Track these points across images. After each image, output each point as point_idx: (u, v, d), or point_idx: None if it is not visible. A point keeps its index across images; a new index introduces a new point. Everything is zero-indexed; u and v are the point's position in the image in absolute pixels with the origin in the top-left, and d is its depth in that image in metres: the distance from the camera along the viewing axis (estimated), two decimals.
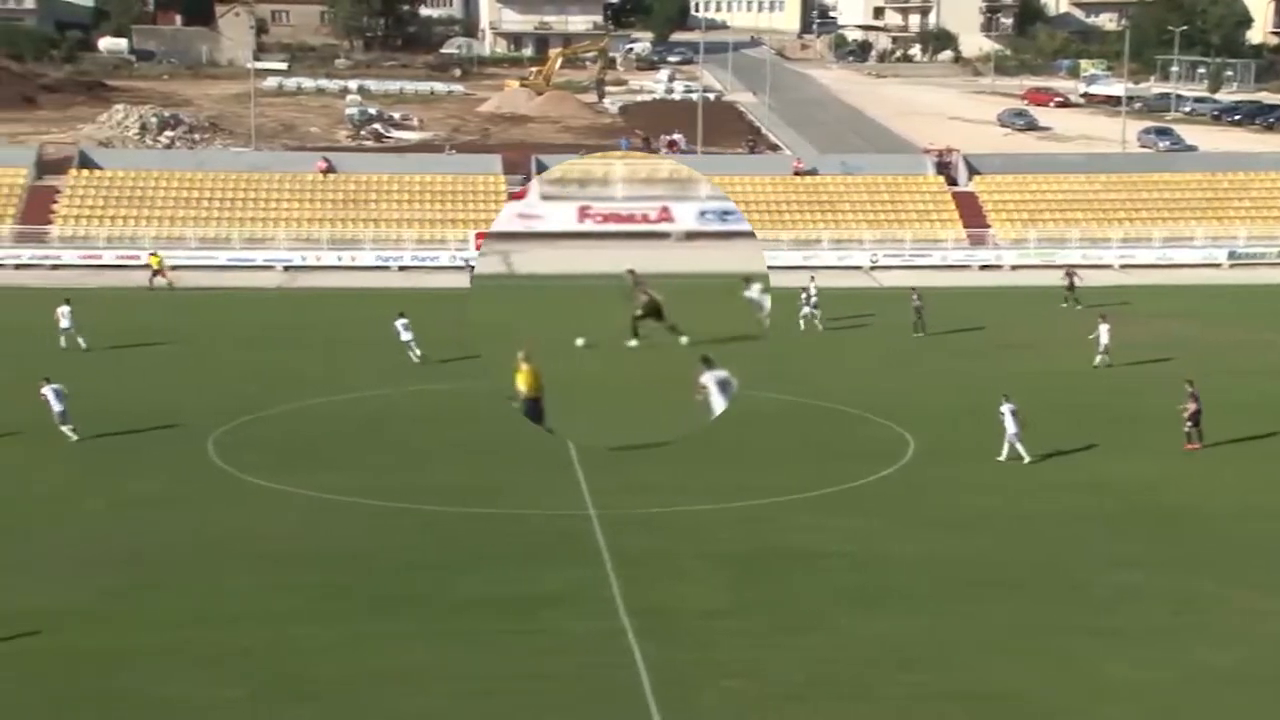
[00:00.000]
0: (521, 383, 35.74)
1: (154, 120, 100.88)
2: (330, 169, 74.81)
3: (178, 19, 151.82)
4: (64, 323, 47.95)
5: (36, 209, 70.28)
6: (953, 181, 75.81)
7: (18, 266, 66.02)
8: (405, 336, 46.31)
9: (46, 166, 74.95)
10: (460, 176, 75.32)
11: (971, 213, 73.09)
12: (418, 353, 46.12)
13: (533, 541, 30.22)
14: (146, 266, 62.51)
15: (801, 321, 52.14)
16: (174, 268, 62.86)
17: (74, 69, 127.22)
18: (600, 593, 27.24)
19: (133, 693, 22.96)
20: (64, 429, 36.86)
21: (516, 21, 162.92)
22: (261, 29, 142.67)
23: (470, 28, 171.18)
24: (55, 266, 66.11)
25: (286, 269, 67.00)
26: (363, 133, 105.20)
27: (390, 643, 24.97)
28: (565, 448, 36.47)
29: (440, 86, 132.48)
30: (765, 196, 74.38)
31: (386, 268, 66.99)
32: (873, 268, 68.19)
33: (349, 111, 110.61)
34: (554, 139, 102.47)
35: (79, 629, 25.29)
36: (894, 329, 52.30)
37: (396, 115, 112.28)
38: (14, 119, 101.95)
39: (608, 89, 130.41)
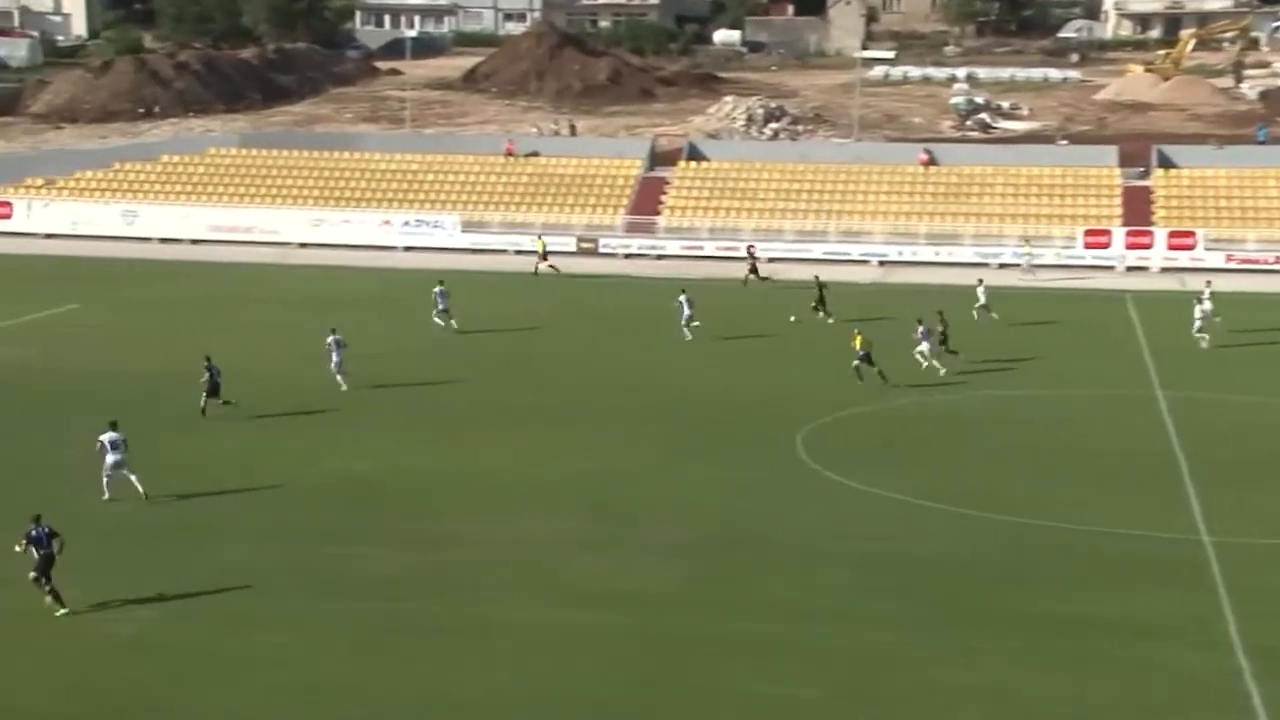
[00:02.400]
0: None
1: (760, 112, 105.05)
2: (931, 161, 75.02)
3: (790, 9, 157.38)
4: (440, 304, 51.80)
5: (646, 200, 75.15)
6: None
7: (627, 256, 70.89)
8: (923, 347, 45.14)
9: (658, 158, 79.90)
10: (1071, 169, 73.38)
11: None
12: (939, 363, 44.88)
13: (1130, 563, 29.07)
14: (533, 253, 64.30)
15: None
16: (769, 259, 65.20)
17: (689, 62, 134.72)
18: (1212, 626, 25.80)
19: (724, 686, 24.08)
20: (338, 377, 42.34)
21: (1145, 1, 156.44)
22: (872, 17, 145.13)
23: (1092, 9, 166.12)
24: (660, 256, 70.48)
25: (881, 263, 67.93)
26: (968, 123, 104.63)
27: (966, 657, 24.84)
28: (1174, 464, 34.72)
29: (1054, 73, 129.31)
30: None
31: (985, 264, 66.42)
32: None
33: (954, 101, 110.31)
34: (1180, 128, 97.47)
35: (668, 613, 26.86)
36: None
37: (1005, 104, 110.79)
38: (632, 112, 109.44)
39: (1246, 72, 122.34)
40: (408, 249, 72.15)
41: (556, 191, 76.23)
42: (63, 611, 25.88)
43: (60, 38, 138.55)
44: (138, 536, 30.30)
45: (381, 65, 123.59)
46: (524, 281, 63.69)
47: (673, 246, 71.31)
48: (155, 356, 47.31)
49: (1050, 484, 34.45)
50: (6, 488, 33.03)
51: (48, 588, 26.01)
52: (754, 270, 62.78)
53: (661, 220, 73.61)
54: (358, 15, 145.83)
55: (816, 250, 69.29)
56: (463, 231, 73.48)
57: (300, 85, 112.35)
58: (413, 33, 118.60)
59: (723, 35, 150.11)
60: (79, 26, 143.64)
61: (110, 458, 32.14)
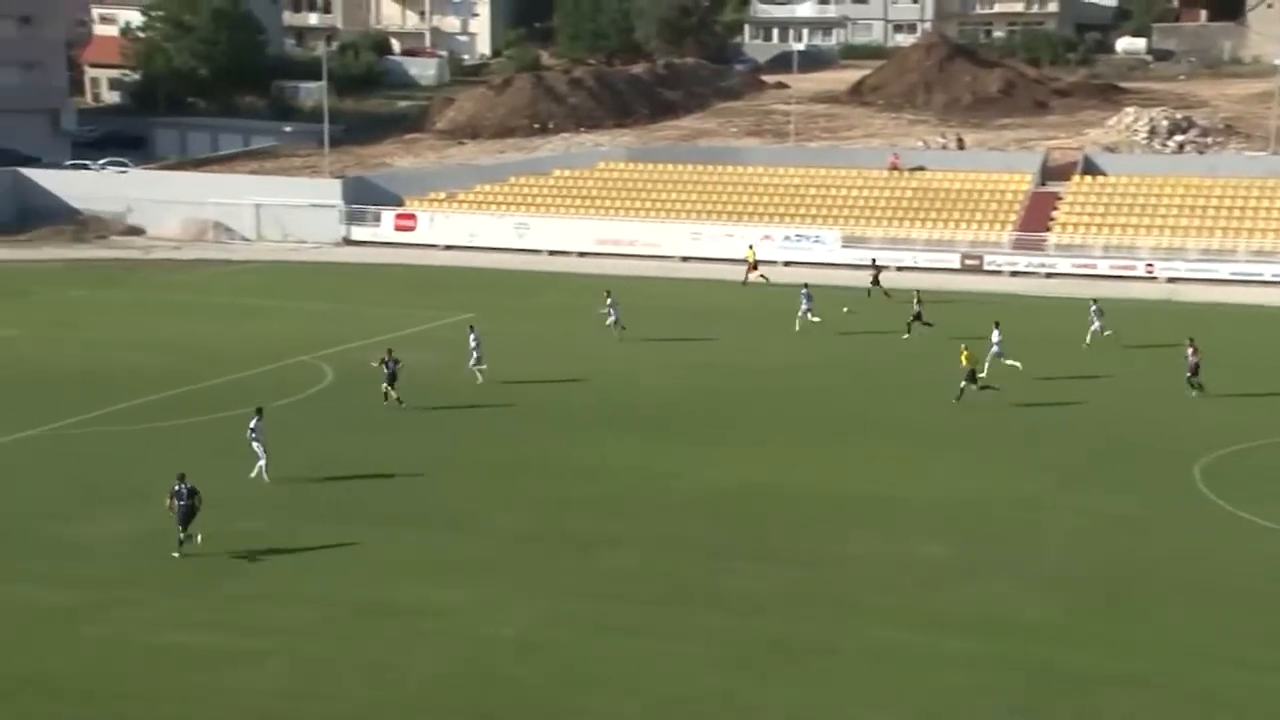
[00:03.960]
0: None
1: (1164, 123, 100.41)
2: None
3: (1202, 15, 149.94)
4: (609, 314, 52.75)
5: (1036, 216, 73.06)
6: None
7: (1013, 273, 69.03)
8: None
9: (1050, 173, 77.59)
10: None
11: None
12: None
13: None
14: (872, 270, 63.47)
15: None
16: (1170, 280, 62.23)
17: (1088, 72, 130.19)
18: None
19: None
20: (476, 369, 44.83)
21: None
22: None
23: None
24: (1050, 274, 68.31)
25: None
26: None
27: None
28: None
29: None
30: None
31: None
32: None
33: None
34: None
35: (1043, 644, 25.90)
36: None
37: None
38: (1023, 124, 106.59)
39: None
40: (787, 263, 72.49)
41: (941, 207, 75.08)
42: (175, 555, 29.65)
43: (466, 57, 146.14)
44: (522, 542, 31.44)
45: (768, 79, 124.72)
46: (901, 297, 62.94)
47: (1063, 264, 69.06)
48: (545, 362, 49.13)
49: None
50: (446, 482, 34.99)
51: (183, 534, 29.79)
52: (876, 281, 62.00)
53: (1052, 237, 71.41)
54: (746, 29, 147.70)
55: (1223, 270, 65.82)
56: (843, 246, 73.28)
57: (687, 100, 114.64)
58: (800, 46, 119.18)
59: (1126, 43, 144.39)
60: (483, 46, 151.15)
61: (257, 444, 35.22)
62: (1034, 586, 28.63)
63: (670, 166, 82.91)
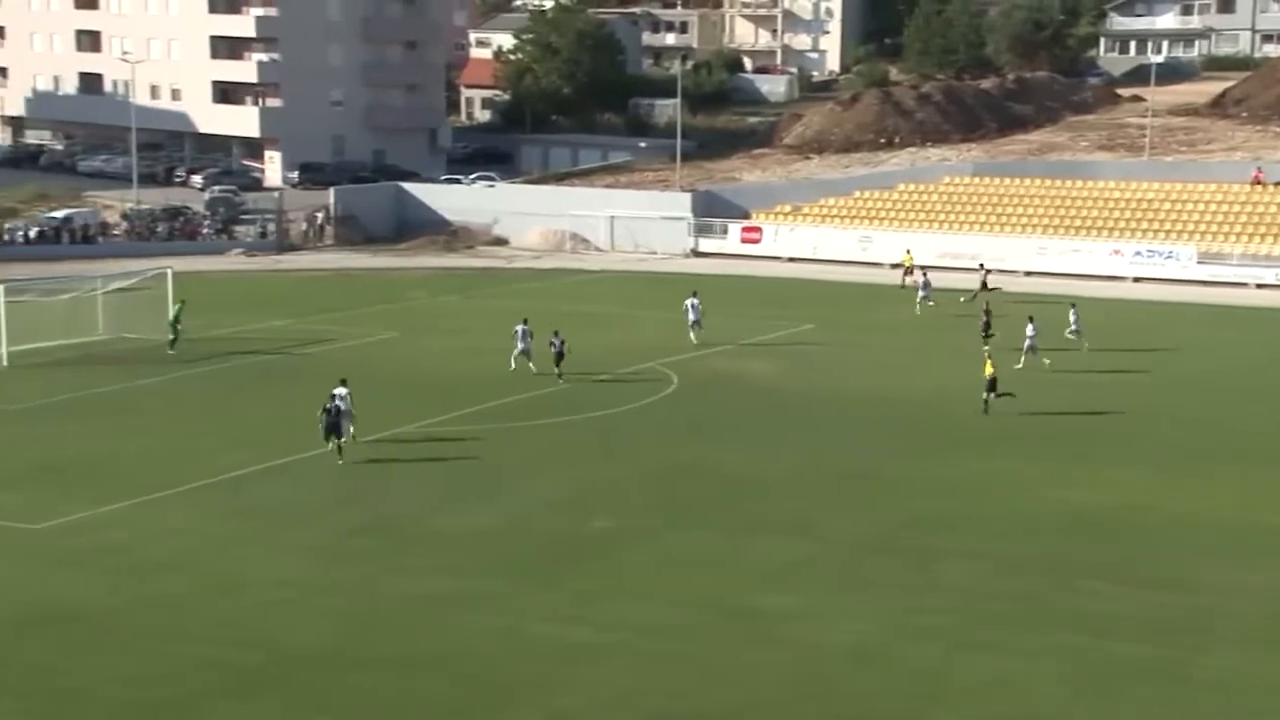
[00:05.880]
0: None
1: None
2: None
3: None
4: (689, 313, 53.95)
5: None
6: None
7: None
8: None
9: None
10: None
11: None
12: None
13: None
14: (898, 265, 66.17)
15: None
16: None
17: None
18: None
19: None
20: (515, 360, 47.54)
21: None
22: None
23: None
24: None
25: None
26: None
27: None
28: None
29: None
30: None
31: None
32: None
33: None
34: None
35: None
36: None
37: None
38: None
39: None
40: (1137, 279, 69.88)
41: None
42: (341, 461, 36.79)
43: (815, 73, 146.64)
44: (868, 551, 31.35)
45: (1123, 92, 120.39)
46: (1266, 314, 59.92)
47: None
48: (891, 375, 48.93)
49: None
50: (794, 489, 35.48)
51: (332, 443, 37.16)
52: (984, 286, 61.94)
53: None
54: (1101, 42, 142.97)
55: None
56: (1198, 263, 70.14)
57: (1037, 114, 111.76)
58: (1159, 58, 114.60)
59: None
60: (833, 62, 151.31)
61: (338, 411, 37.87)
62: None
63: (1017, 181, 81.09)
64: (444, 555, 30.81)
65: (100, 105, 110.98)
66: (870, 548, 31.38)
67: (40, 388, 46.52)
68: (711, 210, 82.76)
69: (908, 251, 70.04)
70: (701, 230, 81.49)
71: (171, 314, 52.54)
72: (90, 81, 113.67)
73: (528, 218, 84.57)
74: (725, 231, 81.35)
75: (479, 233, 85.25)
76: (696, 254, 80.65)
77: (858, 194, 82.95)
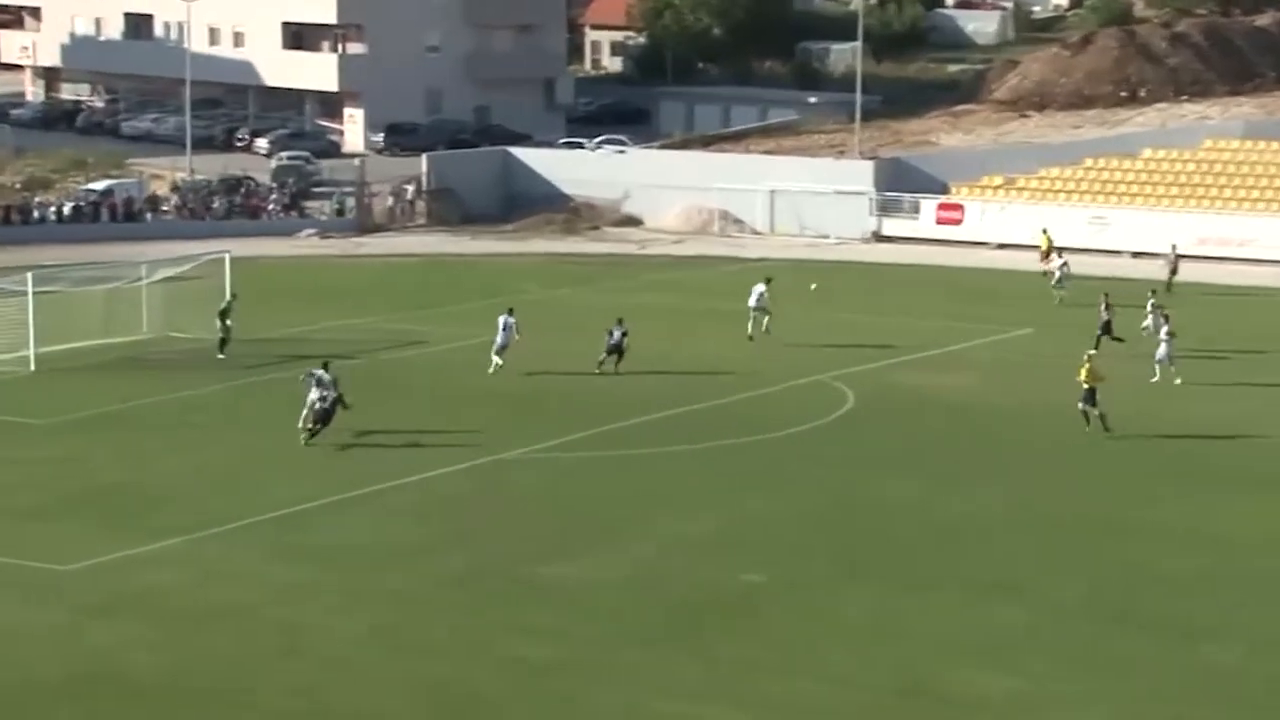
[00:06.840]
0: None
1: None
2: None
3: None
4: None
5: None
6: None
7: None
8: None
9: None
10: None
11: None
12: None
13: None
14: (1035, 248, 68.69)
15: None
16: None
17: None
18: None
19: None
20: (495, 358, 50.09)
21: None
22: None
23: None
24: None
25: None
26: None
27: None
28: None
29: None
30: None
31: None
32: None
33: None
34: None
35: None
36: None
37: None
38: None
39: None
40: None
41: None
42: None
43: (1036, 8, 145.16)
44: (1092, 619, 31.26)
45: None
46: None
47: None
48: (1120, 399, 48.56)
49: None
50: (995, 539, 35.61)
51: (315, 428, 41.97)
52: (1174, 272, 64.76)
53: None
54: None
55: None
56: None
57: None
58: None
59: None
60: None
61: (313, 393, 42.37)
62: None
63: None
64: (554, 612, 31.29)
65: (148, 53, 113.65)
66: (1104, 616, 31.20)
67: (73, 398, 48.04)
68: (900, 183, 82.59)
69: (1044, 231, 70.23)
70: (886, 208, 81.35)
71: (221, 309, 53.68)
72: (137, 24, 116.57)
73: (666, 192, 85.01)
74: (917, 210, 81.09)
75: (605, 210, 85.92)
76: (879, 238, 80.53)
77: (1089, 163, 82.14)
